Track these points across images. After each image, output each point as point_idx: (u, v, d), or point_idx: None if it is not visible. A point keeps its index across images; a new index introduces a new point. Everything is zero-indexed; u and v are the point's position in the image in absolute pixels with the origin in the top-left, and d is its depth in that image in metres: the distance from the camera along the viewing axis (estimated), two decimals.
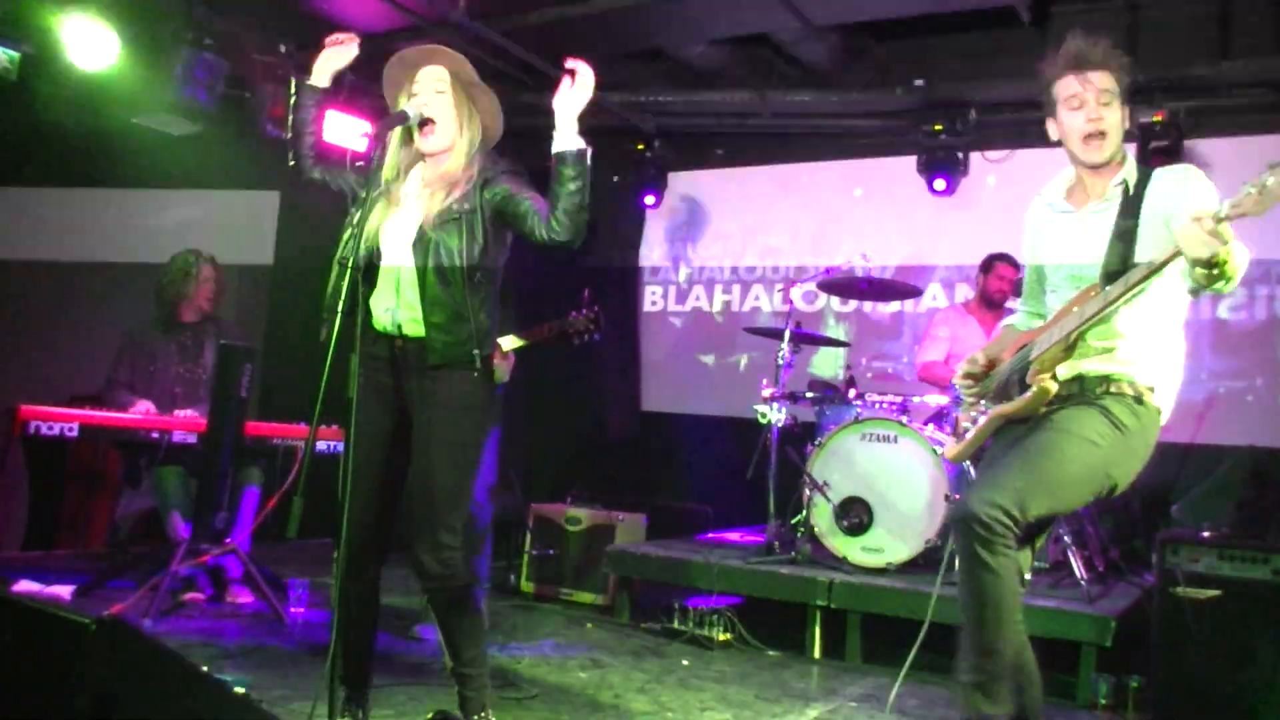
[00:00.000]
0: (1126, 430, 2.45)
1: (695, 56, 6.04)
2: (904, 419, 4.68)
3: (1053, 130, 2.62)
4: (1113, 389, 2.47)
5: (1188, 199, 2.40)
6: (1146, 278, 2.30)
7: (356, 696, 2.79)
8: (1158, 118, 5.30)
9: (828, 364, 6.72)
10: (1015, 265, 5.47)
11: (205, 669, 2.36)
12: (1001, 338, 2.85)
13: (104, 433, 4.35)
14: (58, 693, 1.76)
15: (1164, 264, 2.26)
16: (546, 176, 2.63)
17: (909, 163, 6.33)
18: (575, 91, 2.55)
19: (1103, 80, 2.50)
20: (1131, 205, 2.49)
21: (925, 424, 4.86)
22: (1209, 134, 5.52)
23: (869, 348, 6.69)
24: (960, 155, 6.08)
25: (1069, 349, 2.46)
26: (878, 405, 4.85)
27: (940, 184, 6.18)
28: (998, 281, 5.43)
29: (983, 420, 2.66)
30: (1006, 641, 2.40)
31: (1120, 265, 2.44)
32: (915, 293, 5.48)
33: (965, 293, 6.22)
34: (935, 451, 4.50)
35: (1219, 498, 3.86)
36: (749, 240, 7.18)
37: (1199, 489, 4.00)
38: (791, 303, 5.26)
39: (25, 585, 4.35)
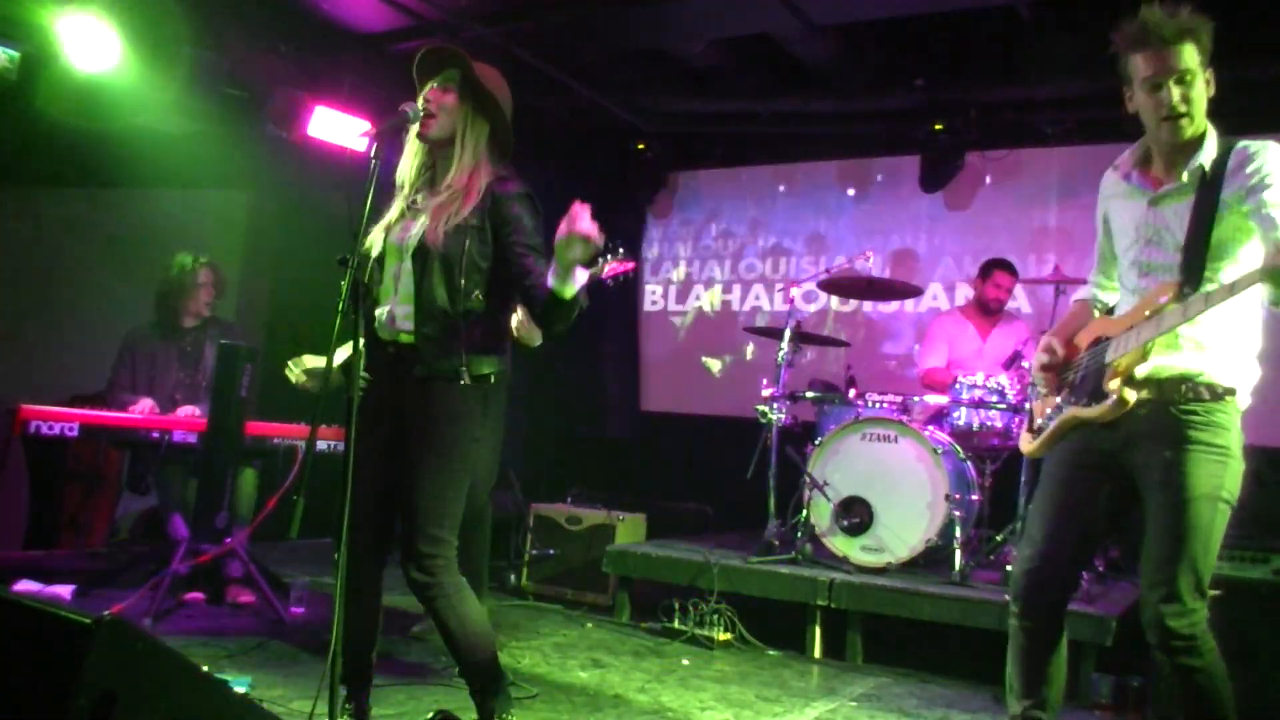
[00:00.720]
0: (1226, 450, 2.39)
1: (695, 56, 6.04)
2: (904, 419, 4.68)
3: (1130, 103, 2.47)
4: (1192, 395, 2.36)
5: (1273, 193, 2.26)
6: (1227, 298, 2.19)
7: (357, 697, 2.79)
8: None
9: (829, 364, 6.72)
10: (1013, 273, 5.47)
11: (205, 669, 2.36)
12: (1076, 316, 2.73)
13: (104, 433, 4.35)
14: (58, 693, 1.76)
15: (1247, 285, 2.15)
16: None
17: (909, 163, 6.33)
18: (575, 239, 2.42)
19: (1182, 57, 2.32)
20: (1210, 192, 2.35)
21: (925, 424, 4.86)
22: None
23: (869, 348, 6.69)
24: (960, 155, 6.08)
25: (1145, 355, 2.37)
26: (878, 405, 4.85)
27: (940, 184, 6.18)
28: (995, 289, 5.43)
29: (1059, 420, 2.58)
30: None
31: (1199, 262, 2.33)
32: (915, 292, 5.49)
33: (966, 292, 6.22)
34: (936, 451, 4.50)
35: None
36: (749, 240, 7.18)
37: None
38: (792, 302, 5.27)
39: (25, 585, 4.35)
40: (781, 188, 7.10)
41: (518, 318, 3.66)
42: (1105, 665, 3.79)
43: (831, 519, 4.63)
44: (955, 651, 4.14)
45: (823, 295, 6.63)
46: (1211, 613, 2.30)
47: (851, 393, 5.00)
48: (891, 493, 4.54)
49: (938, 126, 6.00)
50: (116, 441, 4.71)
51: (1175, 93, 2.34)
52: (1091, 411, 2.46)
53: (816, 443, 4.81)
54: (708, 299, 7.28)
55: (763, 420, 4.92)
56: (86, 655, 1.76)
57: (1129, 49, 2.40)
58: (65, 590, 4.30)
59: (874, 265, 6.40)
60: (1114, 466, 2.47)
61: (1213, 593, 3.38)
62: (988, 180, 6.40)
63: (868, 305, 6.62)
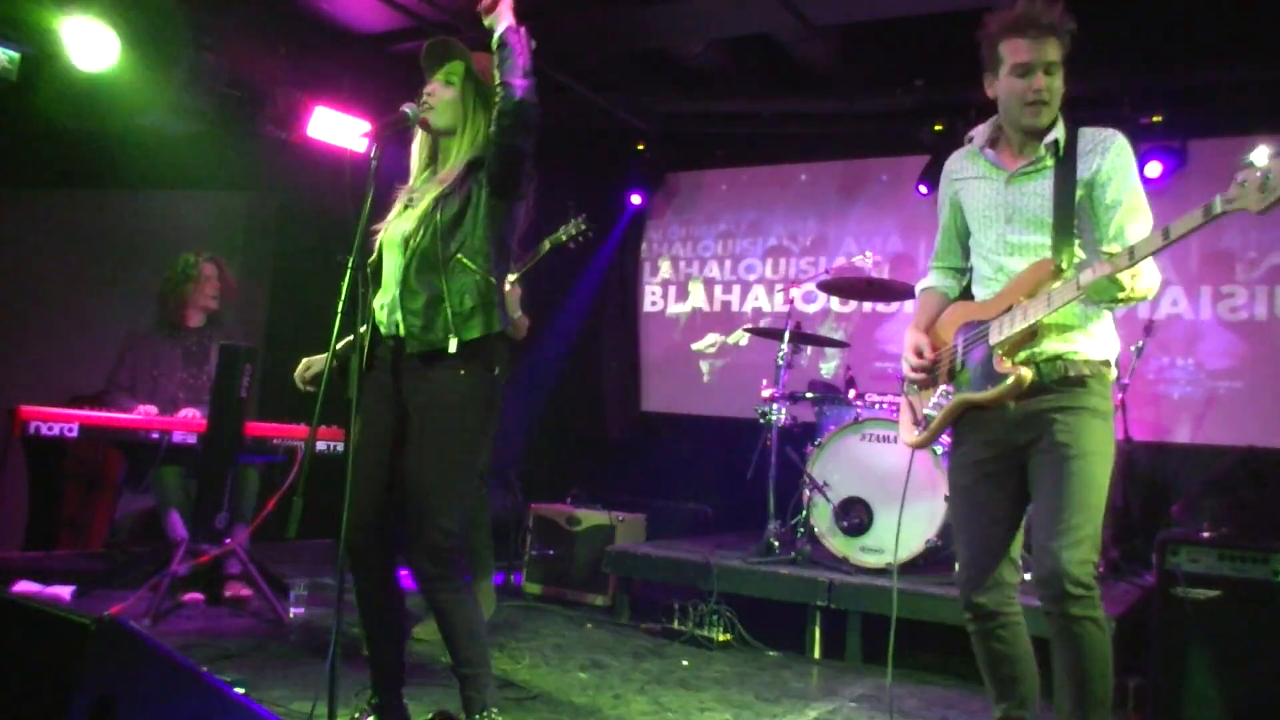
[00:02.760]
0: (1109, 416, 2.49)
1: (695, 57, 6.04)
2: None
3: (990, 87, 2.59)
4: (1070, 372, 2.46)
5: (1109, 185, 2.44)
6: (1129, 264, 2.27)
7: (391, 702, 2.79)
8: (1157, 118, 5.30)
9: (829, 364, 6.72)
10: None
11: (205, 669, 2.35)
12: (929, 306, 2.80)
13: (104, 433, 4.35)
14: (58, 693, 1.76)
15: (1144, 254, 2.24)
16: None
17: (909, 163, 6.33)
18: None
19: (1051, 48, 2.47)
20: (1067, 170, 2.48)
21: None
22: (1208, 135, 5.53)
23: (869, 348, 6.69)
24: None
25: (1034, 334, 2.45)
26: (878, 405, 4.85)
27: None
28: None
29: (948, 407, 2.63)
30: (1111, 691, 2.39)
31: (1068, 239, 2.45)
32: (915, 293, 5.48)
33: None
34: (935, 451, 4.49)
35: (1219, 498, 3.85)
36: (749, 240, 7.18)
37: (1199, 489, 3.99)
38: (792, 302, 5.27)
39: (25, 585, 4.35)
40: (781, 188, 7.10)
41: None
42: None
43: (831, 520, 4.63)
44: (955, 652, 4.14)
45: (822, 295, 6.63)
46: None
47: (851, 393, 5.00)
48: (891, 493, 4.54)
49: (938, 127, 6.00)
50: (116, 442, 4.70)
51: (1042, 80, 2.48)
52: (986, 395, 2.51)
53: (816, 443, 4.81)
54: (710, 307, 7.28)
55: (762, 421, 4.92)
56: (86, 656, 1.76)
57: (1003, 35, 2.52)
58: (65, 591, 4.30)
59: (874, 266, 6.40)
60: (1011, 454, 2.53)
61: (1212, 593, 3.43)
62: None
63: (868, 305, 6.62)
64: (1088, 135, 2.52)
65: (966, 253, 2.76)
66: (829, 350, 6.67)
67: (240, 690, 2.84)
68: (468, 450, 2.65)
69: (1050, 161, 2.51)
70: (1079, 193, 2.47)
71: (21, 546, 5.71)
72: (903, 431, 2.80)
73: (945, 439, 4.69)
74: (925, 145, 6.13)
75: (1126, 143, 2.51)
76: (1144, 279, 2.33)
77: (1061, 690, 2.40)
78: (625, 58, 6.12)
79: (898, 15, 5.27)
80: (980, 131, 2.66)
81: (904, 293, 5.47)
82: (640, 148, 7.03)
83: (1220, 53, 5.22)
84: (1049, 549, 2.35)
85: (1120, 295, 2.29)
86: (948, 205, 2.76)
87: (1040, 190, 2.51)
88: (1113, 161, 2.47)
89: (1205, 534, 3.59)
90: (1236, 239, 5.58)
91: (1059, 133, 2.51)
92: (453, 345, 2.58)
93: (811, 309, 6.80)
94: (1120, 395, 4.86)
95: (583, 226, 4.28)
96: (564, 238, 4.25)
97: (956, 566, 2.62)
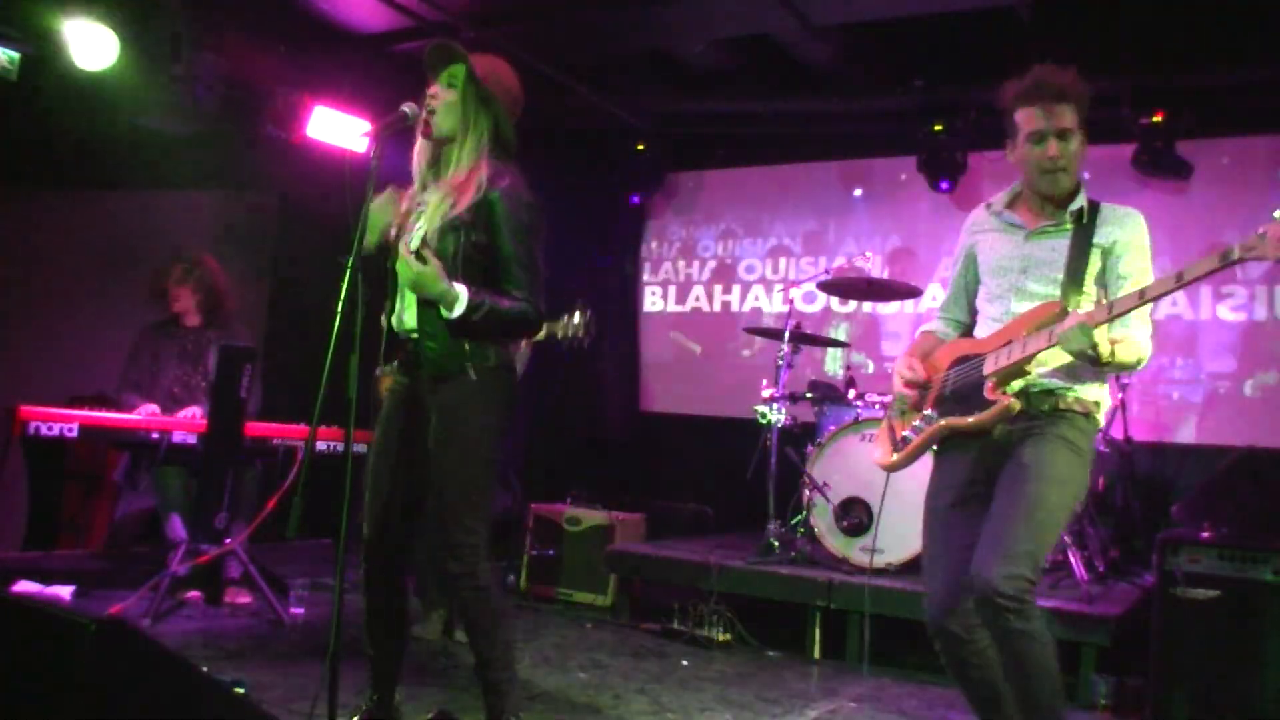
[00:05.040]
0: (1084, 454, 2.52)
1: (695, 57, 6.04)
2: None
3: (1010, 155, 2.65)
4: (1060, 405, 2.50)
5: (1123, 259, 2.52)
6: (1136, 305, 2.34)
7: (386, 698, 2.80)
8: (1157, 118, 5.30)
9: (829, 364, 6.72)
10: None
11: (205, 669, 2.36)
12: (924, 344, 2.85)
13: (104, 433, 4.34)
14: (58, 693, 1.76)
15: (1157, 294, 2.33)
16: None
17: (909, 163, 6.33)
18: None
19: (1065, 115, 2.51)
20: (1085, 235, 2.55)
21: None
22: (1208, 135, 5.52)
23: (869, 348, 6.69)
24: (960, 155, 6.08)
25: (1028, 368, 2.48)
26: (878, 405, 4.84)
27: (940, 184, 6.18)
28: None
29: (928, 430, 2.67)
30: (1061, 700, 2.41)
31: (1079, 289, 2.51)
32: (915, 293, 5.48)
33: None
34: (935, 451, 4.49)
35: (1219, 498, 3.84)
36: (749, 240, 7.18)
37: (1199, 489, 3.99)
38: (792, 303, 5.26)
39: (25, 585, 4.35)
40: (781, 188, 7.09)
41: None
42: (1105, 665, 3.79)
43: (831, 519, 4.62)
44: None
45: (823, 295, 6.63)
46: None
47: (851, 393, 5.00)
48: (891, 494, 4.53)
49: (938, 127, 6.00)
50: (116, 442, 4.71)
51: (1056, 147, 2.52)
52: (969, 420, 2.56)
53: (816, 443, 4.80)
54: (710, 307, 7.28)
55: (762, 421, 4.92)
56: (86, 656, 1.76)
57: (1017, 104, 2.59)
58: (65, 591, 4.30)
59: (873, 266, 6.40)
60: (989, 479, 2.56)
61: (1212, 593, 3.43)
62: (988, 181, 6.39)
63: (867, 305, 6.62)
64: (1107, 210, 2.58)
65: (972, 308, 2.82)
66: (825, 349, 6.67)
67: (240, 690, 2.85)
68: (489, 448, 2.67)
69: (1070, 225, 2.57)
70: (1094, 256, 2.53)
71: (21, 546, 5.71)
72: (879, 453, 2.83)
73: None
74: (925, 145, 6.13)
75: (1144, 221, 2.58)
76: (1127, 345, 2.39)
77: (1010, 697, 2.46)
78: (625, 58, 6.12)
79: (898, 15, 5.27)
80: (999, 198, 2.72)
81: (904, 293, 5.48)
82: (640, 148, 7.02)
83: (1220, 53, 5.21)
84: (981, 563, 2.38)
85: (1100, 347, 2.30)
86: (963, 258, 2.83)
87: (1058, 246, 2.57)
88: (1130, 236, 2.53)
89: (1205, 534, 3.59)
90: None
91: (1082, 202, 2.57)
92: (472, 374, 2.64)
93: (811, 309, 6.80)
94: (1120, 395, 4.86)
95: (581, 331, 3.79)
96: (560, 334, 3.80)
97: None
